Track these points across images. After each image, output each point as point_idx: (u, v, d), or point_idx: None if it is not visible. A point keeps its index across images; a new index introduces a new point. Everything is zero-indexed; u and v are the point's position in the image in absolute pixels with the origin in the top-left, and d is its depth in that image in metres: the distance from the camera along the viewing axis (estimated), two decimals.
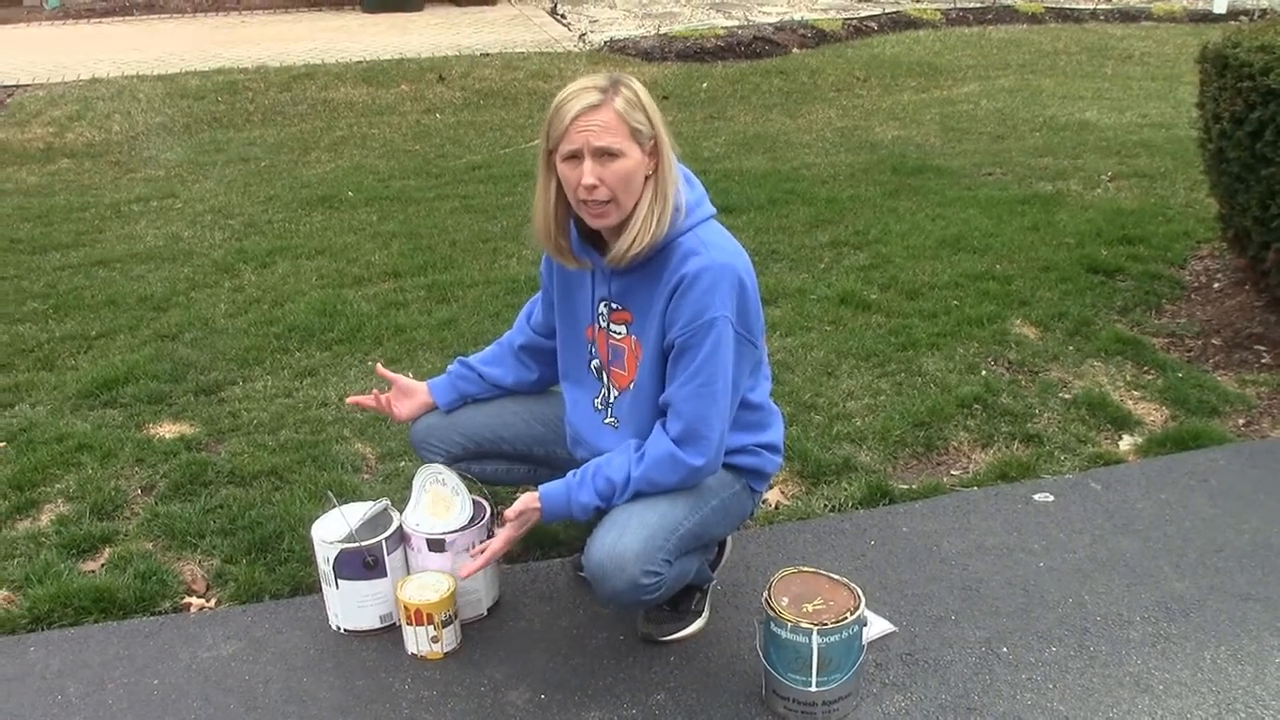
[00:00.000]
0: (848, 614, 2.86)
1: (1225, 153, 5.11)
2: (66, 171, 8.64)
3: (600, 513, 2.93)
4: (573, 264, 3.02)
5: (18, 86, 10.80)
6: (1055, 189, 7.35)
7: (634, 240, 2.82)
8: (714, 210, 2.96)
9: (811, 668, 2.85)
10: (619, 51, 12.10)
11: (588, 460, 3.06)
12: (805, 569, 3.06)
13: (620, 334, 3.01)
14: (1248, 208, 5.05)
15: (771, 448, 3.15)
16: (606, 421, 3.10)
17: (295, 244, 6.66)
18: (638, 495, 2.90)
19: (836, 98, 10.61)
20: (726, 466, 3.03)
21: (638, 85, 2.83)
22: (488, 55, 11.80)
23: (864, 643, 2.95)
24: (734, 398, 2.92)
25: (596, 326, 3.07)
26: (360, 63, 11.51)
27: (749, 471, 3.11)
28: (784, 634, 2.86)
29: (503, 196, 7.48)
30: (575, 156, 2.78)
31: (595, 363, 3.11)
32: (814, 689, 2.88)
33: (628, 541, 2.82)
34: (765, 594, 2.95)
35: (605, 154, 2.76)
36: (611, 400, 3.09)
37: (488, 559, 3.00)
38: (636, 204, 2.82)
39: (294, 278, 6.12)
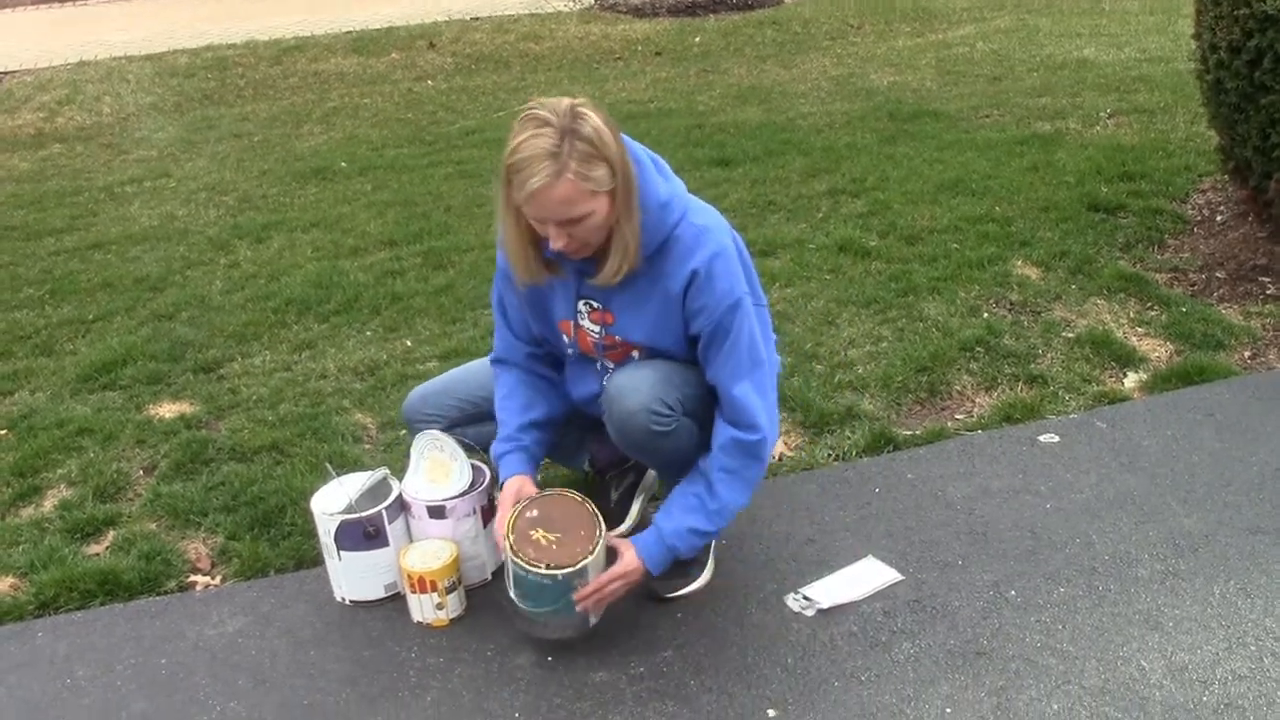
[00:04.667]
0: (550, 566, 2.87)
1: (1223, 83, 5.05)
2: (58, 156, 8.61)
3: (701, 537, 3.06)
4: (553, 275, 2.99)
5: (6, 73, 10.79)
6: (1054, 128, 7.29)
7: (618, 268, 2.83)
8: (685, 190, 2.96)
9: (510, 581, 2.97)
10: (609, 9, 12.04)
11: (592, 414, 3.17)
12: (585, 503, 3.02)
13: (596, 333, 3.01)
14: (1248, 138, 5.00)
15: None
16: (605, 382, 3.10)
17: (290, 218, 6.63)
18: (734, 509, 3.03)
19: (831, 46, 10.55)
20: None
21: (592, 121, 2.69)
22: (478, 19, 11.74)
23: (569, 599, 2.94)
24: (771, 363, 3.04)
25: (574, 323, 3.06)
26: (350, 33, 11.47)
27: None
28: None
29: (497, 161, 7.39)
30: (541, 222, 2.75)
31: (571, 351, 3.12)
32: (512, 594, 2.99)
33: (644, 374, 2.95)
34: (530, 500, 3.01)
35: (569, 221, 2.72)
36: (611, 368, 3.08)
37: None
38: (612, 233, 2.80)
39: (289, 251, 6.09)
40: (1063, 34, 10.26)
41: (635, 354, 3.03)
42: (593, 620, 3.02)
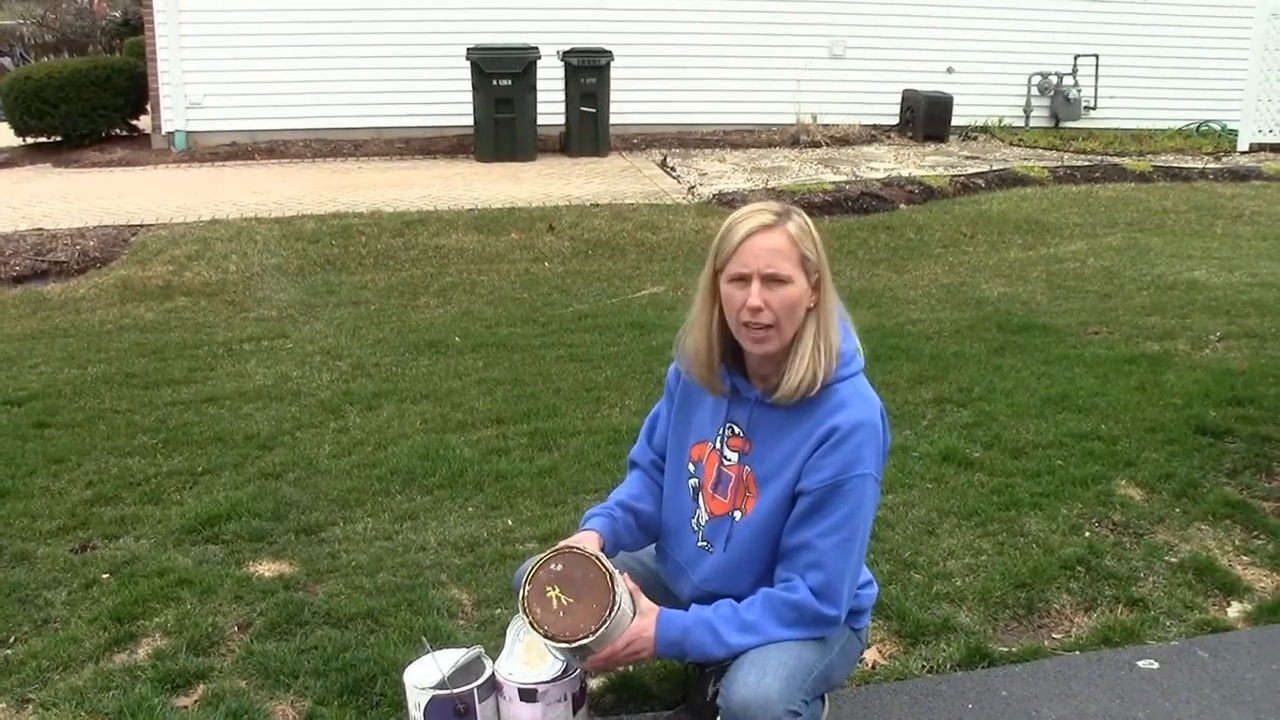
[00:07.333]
0: (548, 634, 2.92)
1: None
2: (183, 309, 8.86)
3: (713, 656, 2.96)
4: (717, 390, 3.06)
5: (142, 226, 11.12)
6: (1162, 348, 7.27)
7: (802, 378, 2.89)
8: (863, 363, 3.02)
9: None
10: (727, 204, 12.21)
11: (670, 573, 3.22)
12: (608, 575, 2.96)
13: (731, 461, 3.04)
14: None
15: (866, 583, 3.22)
16: (699, 545, 3.11)
17: (401, 387, 6.75)
18: (763, 640, 2.92)
19: (943, 254, 10.62)
20: None
21: (806, 217, 2.90)
22: (597, 205, 11.97)
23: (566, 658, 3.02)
24: (863, 552, 3.03)
25: (711, 446, 3.09)
26: (472, 210, 11.72)
27: (853, 613, 3.13)
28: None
29: (608, 346, 7.53)
30: (743, 278, 2.86)
31: (693, 482, 3.13)
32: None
33: (770, 682, 2.83)
34: (559, 550, 3.01)
35: (773, 279, 2.83)
36: (704, 523, 3.10)
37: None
38: (797, 337, 2.89)
39: (398, 421, 6.20)
40: (1174, 254, 10.25)
41: (736, 516, 3.03)
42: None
